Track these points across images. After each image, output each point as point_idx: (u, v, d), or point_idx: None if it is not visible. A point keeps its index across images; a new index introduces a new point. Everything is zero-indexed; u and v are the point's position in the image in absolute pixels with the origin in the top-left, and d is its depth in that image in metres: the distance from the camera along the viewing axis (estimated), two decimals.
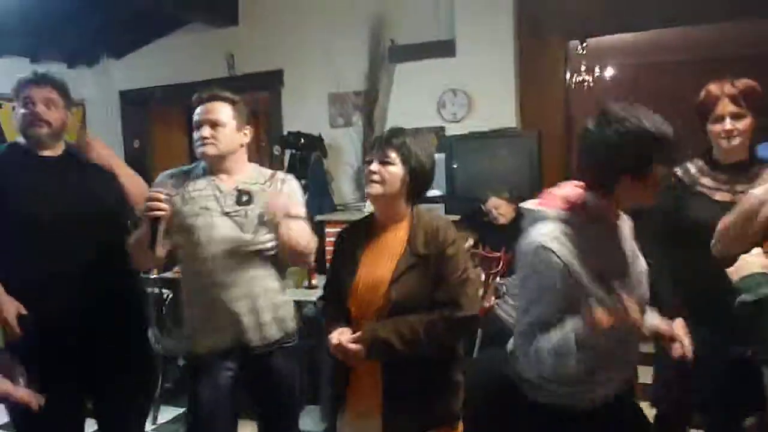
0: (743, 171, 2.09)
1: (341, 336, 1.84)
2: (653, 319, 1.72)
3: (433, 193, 4.24)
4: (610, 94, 7.02)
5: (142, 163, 5.67)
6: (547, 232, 1.54)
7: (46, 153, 2.21)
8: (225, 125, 2.10)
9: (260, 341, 2.12)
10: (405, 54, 4.54)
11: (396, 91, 4.66)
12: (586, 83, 6.14)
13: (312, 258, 2.23)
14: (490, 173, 4.09)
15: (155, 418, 3.55)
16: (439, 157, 4.35)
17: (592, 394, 1.63)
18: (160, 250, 2.02)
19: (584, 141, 1.58)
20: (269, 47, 5.07)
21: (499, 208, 3.72)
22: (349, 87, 4.78)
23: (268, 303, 2.13)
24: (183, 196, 2.11)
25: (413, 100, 4.55)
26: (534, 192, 3.86)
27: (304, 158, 4.68)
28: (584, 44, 5.52)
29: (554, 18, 4.31)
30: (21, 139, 2.21)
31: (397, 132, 1.91)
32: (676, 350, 1.67)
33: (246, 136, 2.19)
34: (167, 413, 3.67)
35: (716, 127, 2.08)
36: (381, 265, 1.86)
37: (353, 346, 1.80)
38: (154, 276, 3.58)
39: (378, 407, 1.86)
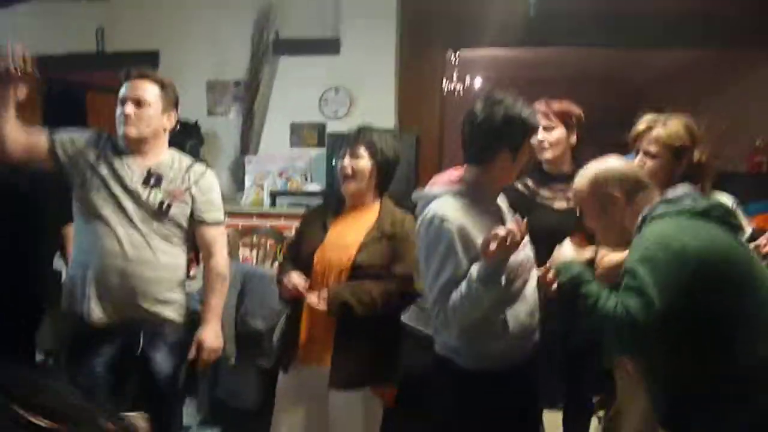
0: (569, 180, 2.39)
1: (298, 279, 2.07)
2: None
3: (312, 187, 4.30)
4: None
5: None
6: (437, 206, 1.78)
7: None
8: (150, 105, 2.04)
9: (133, 321, 2.09)
10: (289, 48, 4.54)
11: (278, 84, 4.64)
12: (457, 92, 6.48)
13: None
14: None
15: None
16: (320, 153, 4.43)
17: (507, 349, 1.84)
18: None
19: (470, 120, 1.82)
20: (145, 25, 4.82)
21: None
22: (229, 75, 4.69)
23: (148, 289, 2.10)
24: (93, 166, 2.04)
25: (295, 95, 4.56)
26: (410, 192, 4.05)
27: (180, 145, 4.51)
28: (457, 54, 5.83)
29: (435, 26, 4.52)
30: None
31: (365, 130, 2.15)
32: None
33: (170, 120, 2.14)
34: None
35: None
36: (350, 234, 2.12)
37: (319, 304, 2.01)
38: None
39: (327, 357, 2.07)
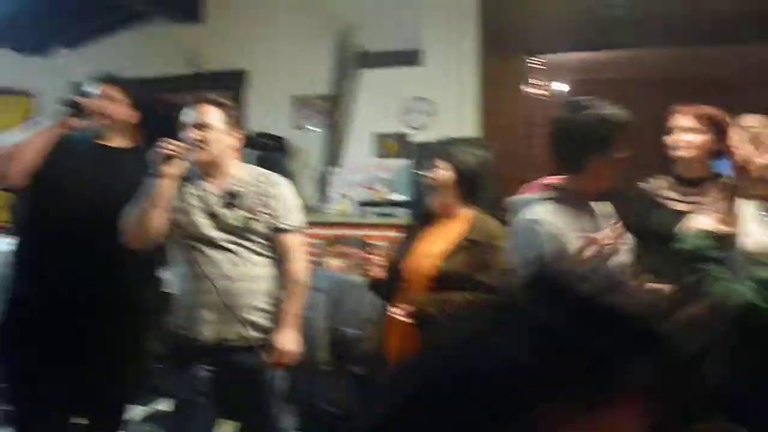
0: (705, 186, 2.30)
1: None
2: None
3: (397, 197, 4.36)
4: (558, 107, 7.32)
5: None
6: (531, 211, 1.80)
7: (108, 143, 2.31)
8: (213, 128, 2.12)
9: (238, 338, 2.16)
10: (372, 61, 4.63)
11: (361, 97, 4.74)
12: (541, 98, 6.38)
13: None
14: None
15: None
16: (403, 163, 4.49)
17: None
18: (162, 213, 2.04)
19: (556, 128, 1.83)
20: (234, 46, 5.06)
21: None
22: (313, 90, 4.84)
23: (247, 303, 2.17)
24: (180, 191, 2.14)
25: (378, 107, 4.65)
26: (492, 199, 4.04)
27: (270, 159, 4.70)
28: (538, 59, 5.76)
29: (515, 33, 4.50)
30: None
31: (444, 142, 2.26)
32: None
33: (235, 139, 2.22)
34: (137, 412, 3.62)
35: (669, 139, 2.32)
36: (437, 243, 2.18)
37: (404, 317, 2.08)
38: None
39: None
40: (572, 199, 1.83)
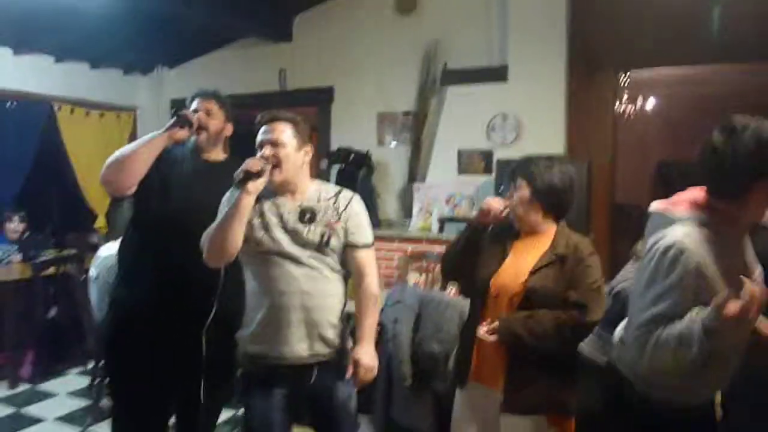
0: None
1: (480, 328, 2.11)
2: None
3: None
4: (650, 124, 7.11)
5: None
6: (679, 233, 1.63)
7: (206, 156, 2.41)
8: (286, 145, 2.14)
9: (312, 355, 2.18)
10: (457, 77, 4.64)
11: (446, 114, 4.76)
12: (628, 114, 6.20)
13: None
14: None
15: None
16: (487, 179, 4.46)
17: (701, 392, 1.76)
18: (243, 229, 2.09)
19: (711, 151, 1.64)
20: (321, 64, 5.21)
21: None
22: (398, 107, 4.90)
23: (323, 317, 2.20)
24: (255, 209, 2.16)
25: (463, 123, 4.65)
26: (581, 218, 3.92)
27: (352, 174, 4.79)
28: (628, 75, 5.60)
29: (604, 50, 4.40)
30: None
31: (524, 160, 2.22)
32: None
33: (307, 154, 2.24)
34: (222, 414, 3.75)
35: None
36: (525, 259, 2.14)
37: (489, 336, 2.04)
38: None
39: (498, 379, 2.09)
40: (724, 227, 1.66)
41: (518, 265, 2.12)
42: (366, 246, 2.28)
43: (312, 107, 5.31)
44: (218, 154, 2.44)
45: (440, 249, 4.34)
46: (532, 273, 2.07)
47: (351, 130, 5.09)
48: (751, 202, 1.62)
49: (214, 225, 2.12)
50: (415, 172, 4.83)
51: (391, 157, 4.96)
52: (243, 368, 2.27)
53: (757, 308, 1.46)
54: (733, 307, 1.45)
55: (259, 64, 5.49)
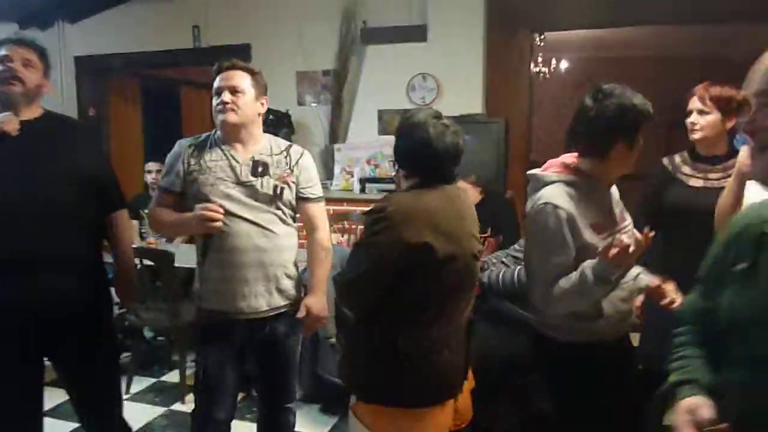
0: (719, 162, 2.38)
1: None
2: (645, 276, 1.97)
3: None
4: (565, 85, 7.33)
5: (97, 132, 5.53)
6: (552, 193, 1.81)
7: (21, 115, 2.06)
8: (245, 92, 2.16)
9: (268, 308, 2.19)
10: (377, 36, 4.60)
11: (366, 73, 4.72)
12: (542, 74, 6.37)
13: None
14: None
15: (128, 388, 3.54)
16: None
17: (603, 329, 1.89)
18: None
19: (583, 114, 1.83)
20: (237, 21, 5.02)
21: (466, 191, 3.87)
22: (318, 66, 4.82)
23: (279, 272, 2.20)
24: (200, 165, 2.15)
25: (383, 83, 4.63)
26: (499, 176, 4.02)
27: (272, 135, 4.68)
28: (542, 37, 5.73)
29: (521, 11, 4.47)
30: None
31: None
32: (665, 303, 1.88)
33: (263, 106, 2.25)
34: (140, 383, 3.69)
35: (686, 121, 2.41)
36: None
37: None
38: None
39: None
40: (591, 184, 1.86)
41: None
42: (317, 199, 2.31)
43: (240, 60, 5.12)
44: (34, 111, 2.13)
45: (362, 209, 4.36)
46: None
47: (269, 90, 4.92)
48: (613, 160, 1.82)
49: (167, 222, 2.19)
50: (336, 133, 4.79)
51: (311, 117, 4.89)
52: (199, 323, 2.26)
53: (632, 253, 1.64)
54: (612, 251, 1.63)
55: (171, 19, 5.22)
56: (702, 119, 2.37)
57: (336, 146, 4.72)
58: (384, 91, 4.63)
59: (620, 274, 1.73)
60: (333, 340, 3.11)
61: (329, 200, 4.51)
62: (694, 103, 2.39)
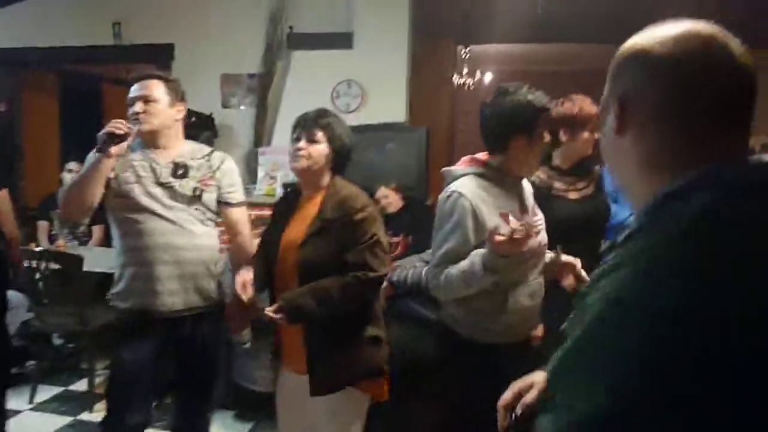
0: (584, 172, 2.54)
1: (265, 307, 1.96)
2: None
3: None
4: (486, 96, 7.52)
5: (9, 128, 5.29)
6: (460, 183, 1.91)
7: None
8: (158, 101, 2.17)
9: (185, 307, 2.19)
10: (303, 42, 4.61)
11: (291, 77, 4.72)
12: (467, 86, 6.53)
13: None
14: (380, 164, 4.27)
15: (32, 398, 3.40)
16: None
17: (506, 327, 1.95)
18: (100, 189, 2.07)
19: (484, 113, 1.96)
20: (161, 19, 4.91)
21: (388, 198, 3.94)
22: (243, 69, 4.78)
23: (197, 271, 2.21)
24: (123, 163, 2.13)
25: (308, 88, 4.63)
26: (421, 183, 4.10)
27: (194, 137, 4.59)
28: (468, 49, 5.89)
29: (446, 23, 4.60)
30: None
31: (323, 113, 2.05)
32: (568, 279, 1.97)
33: (180, 112, 2.25)
34: (45, 392, 3.54)
35: (590, 137, 2.46)
36: (296, 229, 2.00)
37: (274, 315, 1.89)
38: (39, 249, 3.42)
39: (302, 364, 1.98)
40: (498, 177, 1.96)
41: (291, 236, 2.02)
42: (239, 204, 2.32)
43: (150, 64, 5.01)
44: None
45: None
46: (301, 244, 1.96)
47: (193, 91, 4.74)
48: (514, 154, 1.92)
49: (70, 182, 2.14)
50: (261, 137, 4.76)
51: (236, 120, 4.84)
52: (117, 324, 2.23)
53: (521, 242, 1.70)
54: (499, 237, 1.69)
55: (91, 14, 5.05)
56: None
57: (260, 150, 4.69)
58: (309, 97, 4.60)
59: (510, 269, 1.80)
60: (248, 345, 3.08)
61: (252, 205, 4.49)
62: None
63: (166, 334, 2.20)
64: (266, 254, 2.08)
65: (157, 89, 2.19)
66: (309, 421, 2.09)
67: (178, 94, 2.26)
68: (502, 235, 1.69)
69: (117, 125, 2.03)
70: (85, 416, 3.29)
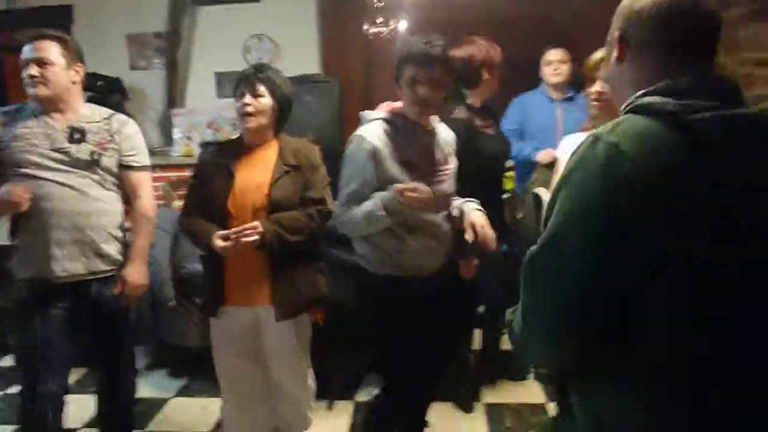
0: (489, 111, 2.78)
1: (228, 231, 2.07)
2: (465, 206, 2.15)
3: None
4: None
5: None
6: (366, 128, 2.02)
7: None
8: (54, 63, 2.10)
9: (87, 271, 2.19)
10: None
11: (200, 35, 4.61)
12: (380, 35, 6.54)
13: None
14: (295, 117, 4.25)
15: None
16: None
17: (413, 262, 2.06)
18: None
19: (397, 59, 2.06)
20: None
21: None
22: (149, 28, 4.64)
23: (99, 235, 2.21)
24: (14, 133, 2.08)
25: (218, 45, 4.55)
26: (336, 134, 4.15)
27: (102, 101, 4.47)
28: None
29: None
30: None
31: (261, 67, 2.17)
32: (469, 234, 2.08)
33: (77, 73, 2.19)
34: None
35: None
36: (257, 173, 2.16)
37: (251, 239, 2.02)
38: None
39: (264, 294, 2.15)
40: (402, 121, 2.04)
41: (254, 181, 2.14)
42: (141, 168, 2.32)
43: (48, 29, 4.78)
44: None
45: None
46: (272, 184, 2.12)
47: (97, 54, 4.65)
48: (404, 92, 2.02)
49: None
50: (174, 97, 4.67)
51: (146, 82, 4.71)
52: (19, 296, 2.21)
53: (427, 201, 1.86)
54: (409, 193, 1.84)
55: None
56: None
57: (174, 111, 4.61)
58: (220, 53, 4.56)
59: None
60: (173, 302, 3.12)
61: (170, 167, 4.45)
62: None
63: (73, 300, 2.20)
64: (210, 203, 2.16)
65: (52, 50, 2.11)
66: (255, 352, 2.24)
67: (75, 55, 2.20)
68: (410, 190, 1.83)
69: (18, 201, 2.02)
70: (12, 390, 3.28)
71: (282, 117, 2.20)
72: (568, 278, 0.98)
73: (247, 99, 2.11)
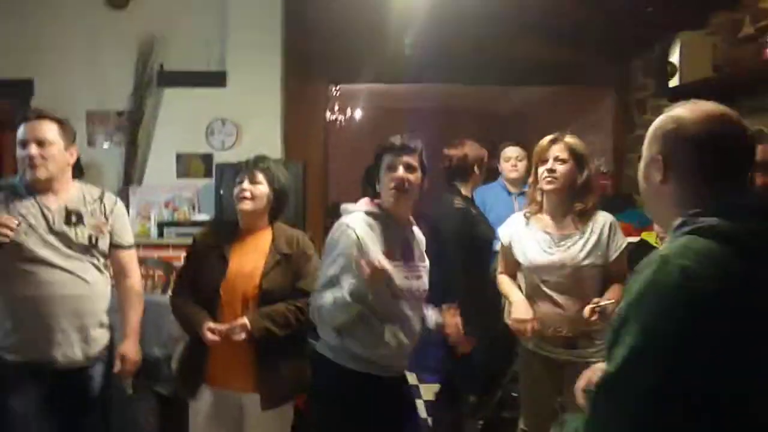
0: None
1: (219, 326, 2.12)
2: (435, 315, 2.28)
3: (200, 217, 4.35)
4: (360, 132, 7.83)
5: None
6: (350, 218, 2.09)
7: None
8: (52, 144, 2.08)
9: (83, 357, 2.16)
10: (175, 79, 4.58)
11: (163, 116, 4.65)
12: (339, 122, 6.77)
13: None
14: None
15: None
16: (208, 183, 4.50)
17: (385, 362, 2.07)
18: None
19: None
20: (17, 53, 4.66)
21: None
22: (110, 105, 4.65)
23: (93, 321, 2.19)
24: (10, 212, 2.04)
25: (181, 126, 4.60)
26: (298, 217, 4.21)
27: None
28: (338, 88, 6.12)
29: (317, 62, 4.77)
30: None
31: (262, 158, 2.29)
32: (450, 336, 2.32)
33: (72, 156, 2.20)
34: None
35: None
36: (250, 260, 2.21)
37: (240, 335, 2.08)
38: None
39: (248, 380, 2.16)
40: (383, 216, 2.13)
41: (246, 269, 2.20)
42: (130, 246, 2.35)
43: (6, 101, 4.73)
44: None
45: (160, 253, 4.26)
46: (263, 276, 2.18)
47: None
48: (381, 180, 2.13)
49: None
50: (131, 175, 4.64)
51: (103, 158, 4.67)
52: (4, 378, 2.12)
53: (377, 277, 1.87)
54: (365, 268, 1.86)
55: None
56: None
57: (131, 188, 4.57)
58: (182, 134, 4.60)
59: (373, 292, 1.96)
60: (130, 391, 3.00)
61: None
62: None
63: (63, 383, 2.12)
64: (202, 286, 2.21)
65: (52, 131, 2.11)
66: None
67: (71, 136, 2.22)
68: (366, 264, 1.87)
69: (4, 233, 1.96)
70: None
71: (278, 206, 2.31)
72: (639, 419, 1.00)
73: (246, 185, 2.24)
